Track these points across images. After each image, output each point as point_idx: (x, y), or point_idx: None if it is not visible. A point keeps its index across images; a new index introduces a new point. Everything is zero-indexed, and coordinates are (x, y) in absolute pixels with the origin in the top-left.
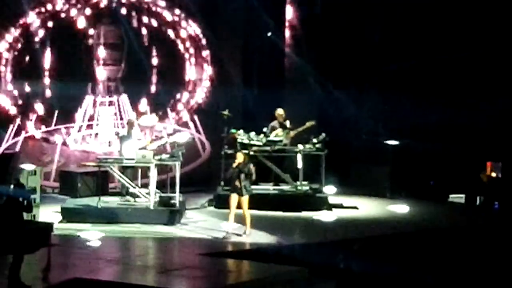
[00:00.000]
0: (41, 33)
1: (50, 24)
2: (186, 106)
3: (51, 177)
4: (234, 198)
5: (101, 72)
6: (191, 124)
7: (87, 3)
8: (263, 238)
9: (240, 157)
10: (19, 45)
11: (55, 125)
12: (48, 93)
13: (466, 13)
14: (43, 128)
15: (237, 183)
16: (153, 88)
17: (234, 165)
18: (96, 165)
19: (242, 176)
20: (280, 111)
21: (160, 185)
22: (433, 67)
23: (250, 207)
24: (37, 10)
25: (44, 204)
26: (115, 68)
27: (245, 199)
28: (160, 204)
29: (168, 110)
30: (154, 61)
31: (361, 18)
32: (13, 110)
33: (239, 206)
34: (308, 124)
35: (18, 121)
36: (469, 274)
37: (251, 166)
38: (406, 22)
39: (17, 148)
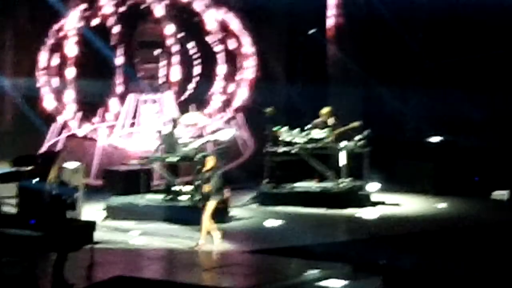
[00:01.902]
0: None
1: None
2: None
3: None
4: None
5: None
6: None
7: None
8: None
9: (210, 162)
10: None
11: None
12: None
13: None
14: (86, 126)
15: (205, 188)
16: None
17: (204, 169)
18: (140, 163)
19: (211, 181)
20: (326, 110)
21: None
22: (477, 62)
23: (294, 204)
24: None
25: (88, 202)
26: (155, 66)
27: (211, 205)
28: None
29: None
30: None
31: (405, 14)
32: (54, 108)
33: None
34: (352, 125)
35: (60, 119)
36: None
37: (220, 172)
38: (450, 17)
39: (60, 146)
